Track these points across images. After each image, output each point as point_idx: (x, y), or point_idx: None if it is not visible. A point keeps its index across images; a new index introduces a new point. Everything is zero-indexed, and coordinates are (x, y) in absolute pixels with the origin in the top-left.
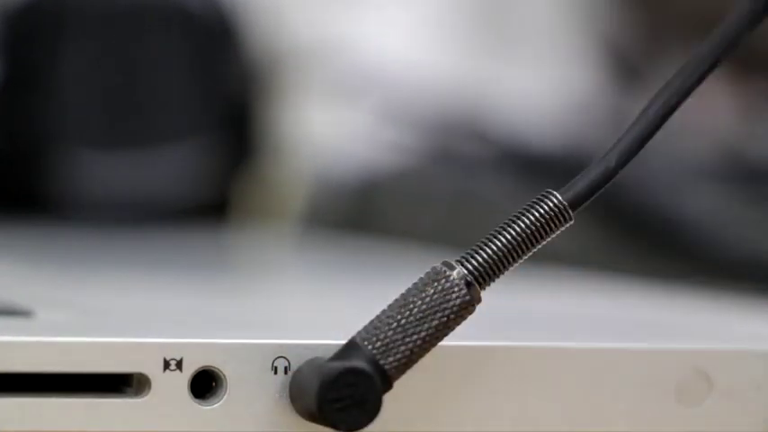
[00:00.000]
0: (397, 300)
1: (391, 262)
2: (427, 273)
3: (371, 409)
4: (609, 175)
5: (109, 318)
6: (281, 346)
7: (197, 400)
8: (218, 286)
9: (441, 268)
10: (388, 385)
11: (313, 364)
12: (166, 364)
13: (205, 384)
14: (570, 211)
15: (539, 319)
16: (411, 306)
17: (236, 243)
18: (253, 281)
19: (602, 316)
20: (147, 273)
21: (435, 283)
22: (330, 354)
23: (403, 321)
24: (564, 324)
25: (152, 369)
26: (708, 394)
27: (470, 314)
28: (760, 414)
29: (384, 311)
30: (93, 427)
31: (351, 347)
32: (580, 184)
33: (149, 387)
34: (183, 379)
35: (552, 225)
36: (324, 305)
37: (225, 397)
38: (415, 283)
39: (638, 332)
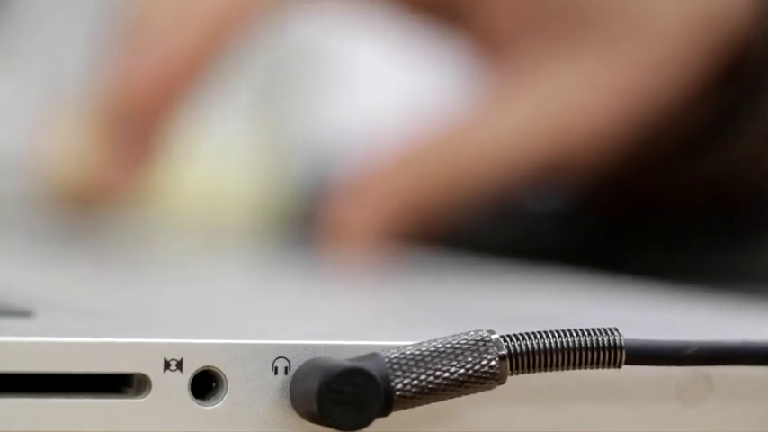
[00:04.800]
0: (433, 339)
1: (389, 262)
2: (468, 332)
3: (372, 410)
4: (679, 355)
5: (109, 318)
6: (281, 346)
7: (197, 401)
8: (219, 286)
9: (483, 332)
10: (387, 409)
11: (314, 363)
12: (167, 365)
13: (205, 384)
14: (622, 359)
15: (538, 318)
16: (440, 347)
17: (236, 243)
18: (253, 281)
19: (602, 315)
20: (148, 273)
21: (473, 340)
22: (330, 354)
23: (428, 356)
24: (563, 323)
25: (152, 369)
26: (708, 395)
27: (490, 386)
28: (760, 414)
29: (419, 344)
30: (93, 427)
31: (370, 356)
32: (650, 343)
33: (150, 387)
34: (183, 379)
35: (599, 359)
36: (324, 306)
37: (225, 397)
38: (454, 335)
39: (637, 331)
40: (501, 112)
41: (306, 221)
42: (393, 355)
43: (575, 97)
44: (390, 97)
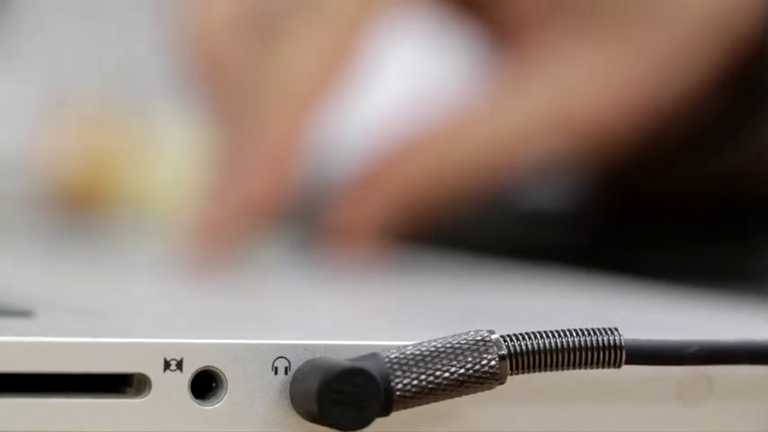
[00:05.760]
0: (433, 339)
1: (390, 262)
2: (468, 332)
3: (372, 410)
4: (679, 355)
5: (109, 318)
6: (281, 346)
7: (197, 401)
8: (219, 286)
9: (483, 332)
10: (387, 409)
11: (314, 363)
12: (167, 365)
13: (205, 385)
14: (622, 359)
15: (538, 318)
16: (440, 347)
17: (235, 243)
18: (253, 281)
19: (602, 315)
20: (148, 273)
21: (473, 340)
22: (330, 354)
23: (428, 356)
24: (563, 323)
25: (152, 369)
26: (708, 395)
27: (490, 386)
28: (760, 414)
29: (419, 344)
30: (93, 427)
31: (370, 356)
32: (650, 343)
33: (150, 387)
34: (183, 379)
35: (599, 359)
36: (324, 306)
37: (225, 397)
38: (454, 335)
39: (637, 331)
40: (508, 101)
41: (308, 221)
42: (393, 355)
43: (582, 87)
44: (398, 88)
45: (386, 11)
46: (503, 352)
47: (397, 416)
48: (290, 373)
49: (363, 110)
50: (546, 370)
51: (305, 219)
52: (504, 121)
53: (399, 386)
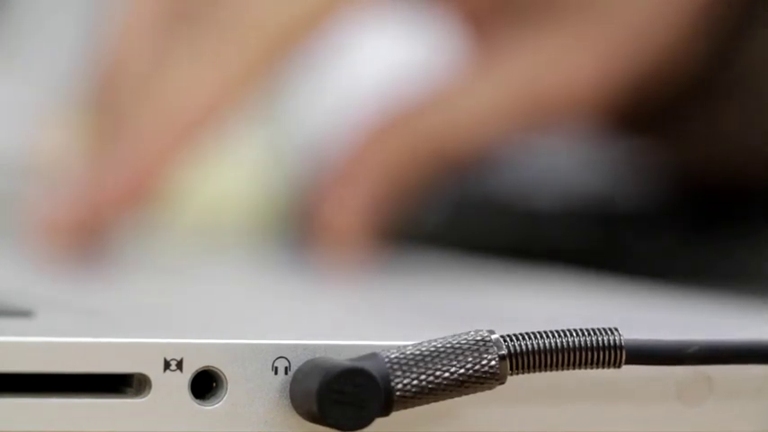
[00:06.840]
0: (433, 339)
1: (390, 262)
2: (468, 332)
3: (373, 410)
4: (679, 355)
5: (109, 318)
6: (281, 346)
7: (197, 401)
8: (219, 286)
9: (483, 332)
10: (387, 409)
11: (314, 363)
12: (167, 365)
13: (205, 384)
14: (622, 359)
15: (538, 318)
16: (440, 347)
17: (236, 244)
18: (252, 281)
19: (602, 315)
20: (147, 273)
21: (473, 340)
22: (330, 354)
23: (428, 356)
24: (563, 323)
25: (152, 369)
26: (708, 395)
27: (490, 386)
28: (760, 414)
29: (419, 344)
30: (93, 427)
31: (370, 356)
32: (650, 343)
33: (150, 387)
34: (183, 379)
35: (599, 359)
36: (324, 306)
37: (225, 397)
38: (454, 335)
39: (637, 331)
40: (478, 84)
41: (305, 221)
42: (393, 355)
43: (552, 65)
44: (371, 79)
45: (320, 28)
46: (503, 352)
47: (397, 416)
48: (290, 373)
49: (341, 106)
50: (546, 370)
51: (303, 218)
52: (475, 104)
53: (399, 386)
